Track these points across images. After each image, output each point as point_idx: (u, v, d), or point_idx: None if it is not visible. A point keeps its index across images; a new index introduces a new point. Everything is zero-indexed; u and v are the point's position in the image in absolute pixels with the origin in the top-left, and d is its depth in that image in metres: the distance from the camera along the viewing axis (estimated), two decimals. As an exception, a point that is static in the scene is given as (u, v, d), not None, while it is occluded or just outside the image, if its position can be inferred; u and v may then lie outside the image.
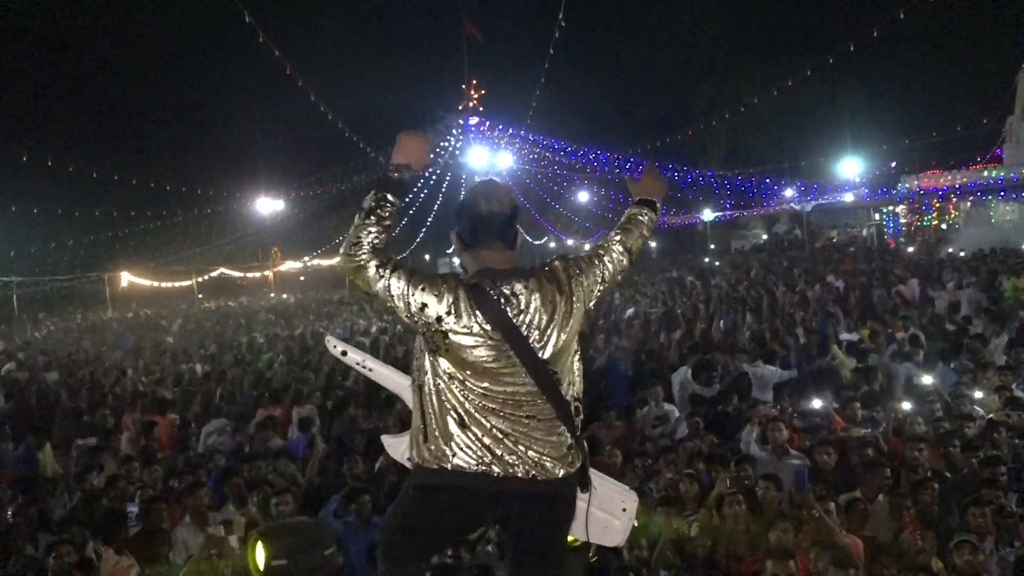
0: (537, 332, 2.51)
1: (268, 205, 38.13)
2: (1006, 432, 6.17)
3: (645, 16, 61.91)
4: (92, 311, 34.82)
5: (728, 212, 44.20)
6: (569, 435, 2.59)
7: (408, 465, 2.75)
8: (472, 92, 38.16)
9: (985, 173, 34.40)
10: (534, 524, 2.61)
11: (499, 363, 2.48)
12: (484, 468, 2.49)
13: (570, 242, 51.94)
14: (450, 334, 2.44)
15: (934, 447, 6.09)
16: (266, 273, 45.75)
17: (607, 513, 2.89)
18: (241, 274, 45.25)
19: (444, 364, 2.50)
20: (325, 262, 47.36)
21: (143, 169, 37.08)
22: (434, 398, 2.52)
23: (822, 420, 7.15)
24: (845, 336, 11.34)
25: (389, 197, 2.49)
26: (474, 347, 2.45)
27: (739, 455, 6.30)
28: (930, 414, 6.92)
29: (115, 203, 35.17)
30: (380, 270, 2.44)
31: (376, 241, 2.45)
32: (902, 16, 17.41)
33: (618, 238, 2.84)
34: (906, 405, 7.19)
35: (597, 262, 2.73)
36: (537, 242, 47.42)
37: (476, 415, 2.49)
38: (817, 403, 7.53)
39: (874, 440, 6.34)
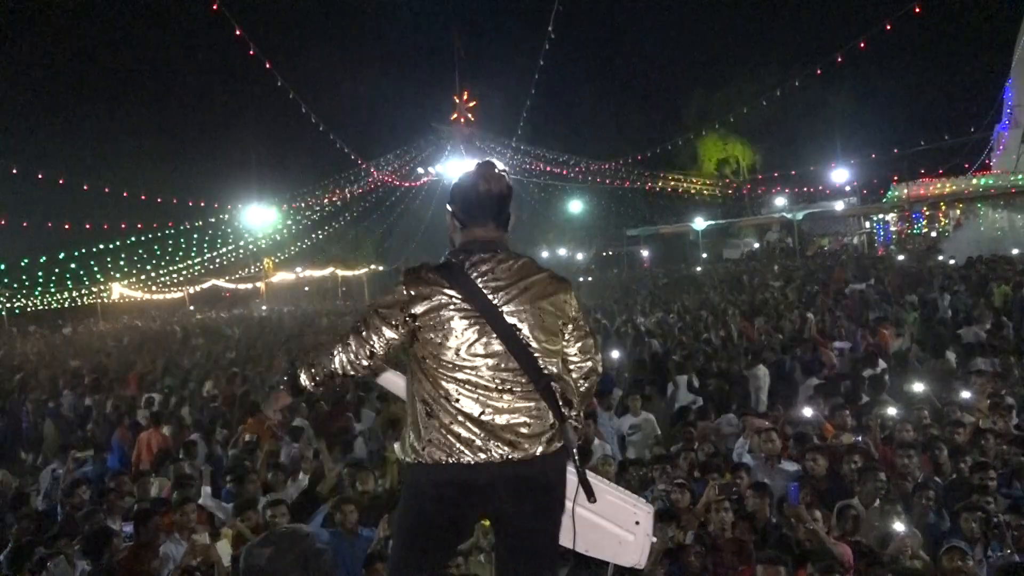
0: (514, 305, 2.54)
1: (260, 216, 38.06)
2: (994, 438, 6.20)
3: (635, 27, 62.32)
4: (83, 324, 34.60)
5: (719, 220, 44.35)
6: (551, 414, 2.57)
7: None
8: (463, 103, 38.25)
9: (974, 181, 34.65)
10: (518, 514, 2.57)
11: (471, 335, 2.50)
12: (455, 459, 2.48)
13: (562, 251, 52.01)
14: (420, 318, 2.51)
15: (923, 453, 6.11)
16: (258, 285, 45.63)
17: (618, 526, 2.74)
18: (233, 285, 45.10)
19: (419, 354, 2.54)
20: (317, 273, 47.29)
21: (134, 181, 36.97)
22: (413, 393, 2.57)
23: (812, 428, 7.16)
24: (838, 344, 11.37)
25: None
26: (445, 324, 2.50)
27: (733, 464, 6.32)
28: (918, 420, 6.95)
29: (106, 216, 35.07)
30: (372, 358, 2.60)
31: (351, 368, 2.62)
32: (889, 28, 17.56)
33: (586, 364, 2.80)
34: (892, 411, 7.22)
35: (574, 324, 2.73)
36: (528, 251, 47.45)
37: (443, 402, 2.50)
38: (808, 411, 7.55)
39: (865, 447, 6.35)
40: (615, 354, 11.27)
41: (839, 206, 42.82)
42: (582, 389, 2.75)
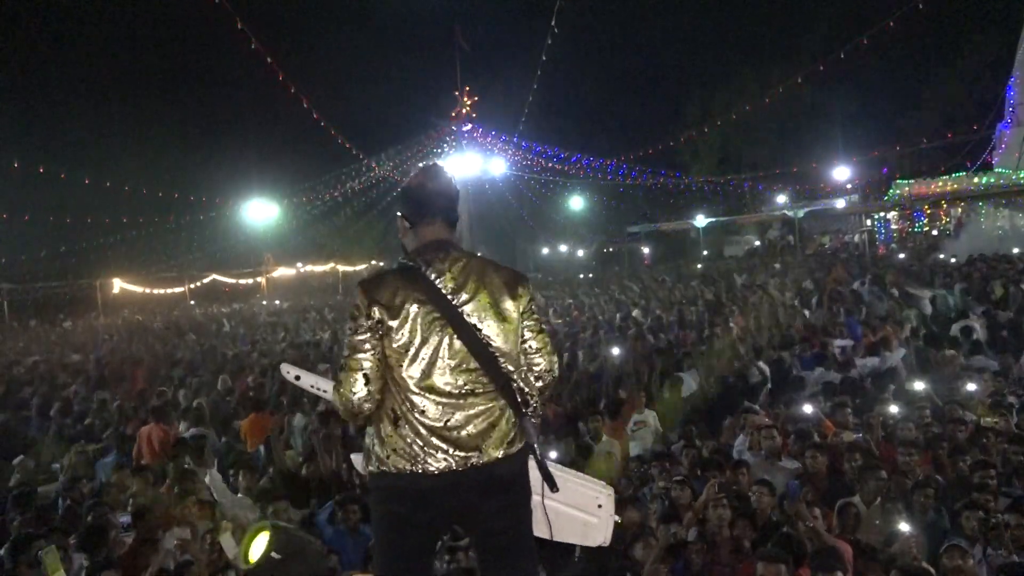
0: (473, 305, 2.58)
1: (261, 211, 38.04)
2: (995, 437, 6.20)
3: (638, 23, 62.22)
4: (83, 318, 34.61)
5: (720, 218, 44.32)
6: (511, 412, 2.62)
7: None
8: (465, 99, 38.20)
9: (976, 180, 34.59)
10: (486, 516, 2.60)
11: (435, 338, 2.52)
12: (419, 467, 2.50)
13: (563, 248, 51.96)
14: (385, 324, 2.52)
15: (924, 451, 6.11)
16: (259, 280, 45.61)
17: (582, 511, 2.84)
18: (233, 280, 45.08)
19: (388, 362, 2.55)
20: (318, 268, 47.29)
21: (135, 175, 36.98)
22: (381, 404, 2.57)
23: (812, 425, 7.15)
24: (839, 342, 11.35)
25: None
26: (408, 329, 2.51)
27: (734, 461, 6.32)
28: (920, 419, 6.95)
29: (107, 209, 35.08)
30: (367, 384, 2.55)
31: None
32: (891, 25, 17.53)
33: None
34: (894, 409, 7.22)
35: (532, 322, 2.74)
36: (529, 247, 47.47)
37: (408, 411, 2.52)
38: (808, 408, 7.55)
39: (866, 445, 6.36)
40: (615, 351, 11.24)
41: (840, 204, 42.75)
42: (538, 386, 2.76)
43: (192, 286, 42.64)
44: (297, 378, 2.90)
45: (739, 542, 4.91)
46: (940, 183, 35.43)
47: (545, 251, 51.98)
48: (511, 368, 2.62)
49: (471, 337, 2.55)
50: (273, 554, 2.71)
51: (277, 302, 37.28)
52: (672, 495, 5.57)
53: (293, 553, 2.77)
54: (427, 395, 2.51)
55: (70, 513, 6.22)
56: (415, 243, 2.70)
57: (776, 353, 10.69)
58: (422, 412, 2.52)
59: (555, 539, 2.84)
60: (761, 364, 9.94)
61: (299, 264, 47.54)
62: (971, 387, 7.74)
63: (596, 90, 53.49)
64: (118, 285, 38.92)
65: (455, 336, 2.54)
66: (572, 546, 3.03)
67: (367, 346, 2.52)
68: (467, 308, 2.56)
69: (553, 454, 6.39)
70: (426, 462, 2.50)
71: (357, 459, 2.96)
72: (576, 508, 2.83)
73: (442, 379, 2.52)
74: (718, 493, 5.15)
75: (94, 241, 36.19)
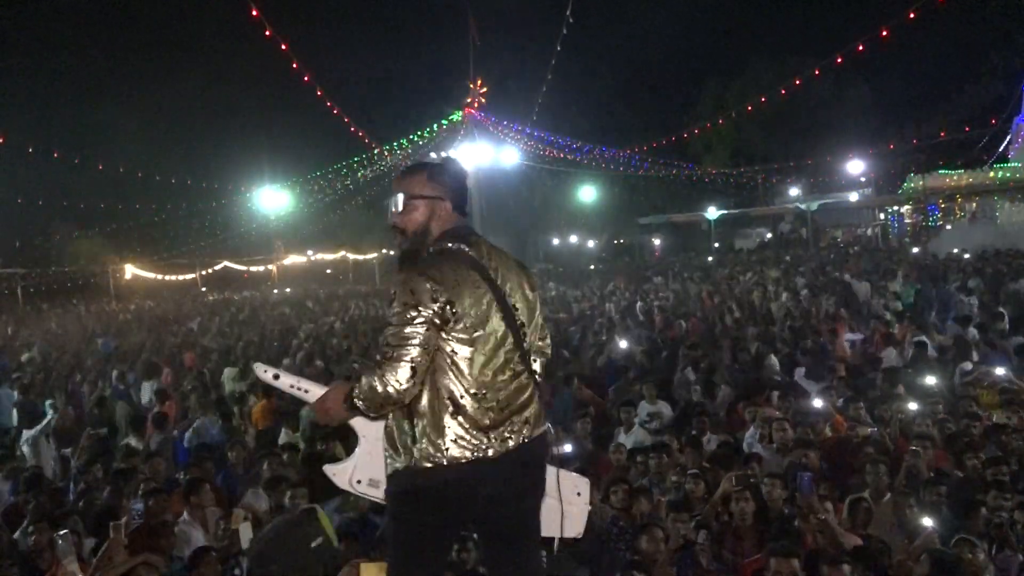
0: (510, 287, 2.62)
1: (273, 199, 38.11)
2: (1011, 433, 6.16)
3: (652, 14, 61.79)
4: (96, 303, 34.82)
5: (733, 210, 44.09)
6: (537, 393, 2.67)
7: (356, 490, 2.77)
8: (477, 88, 38.07)
9: (992, 174, 34.28)
10: (513, 501, 2.62)
11: (489, 319, 2.53)
12: (480, 453, 2.49)
13: (574, 239, 51.84)
14: (449, 309, 2.47)
15: (940, 447, 6.08)
16: (270, 267, 45.75)
17: (563, 501, 2.84)
18: (245, 267, 45.23)
19: (447, 348, 2.49)
20: (328, 256, 47.37)
21: (148, 162, 37.13)
22: (424, 396, 2.50)
23: (823, 420, 7.11)
24: (849, 336, 11.31)
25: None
26: (469, 311, 2.49)
27: (745, 454, 6.30)
28: (933, 415, 6.91)
29: (120, 195, 35.26)
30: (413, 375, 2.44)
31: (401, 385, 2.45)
32: (911, 16, 17.33)
33: None
34: (912, 405, 7.18)
35: (541, 308, 2.82)
36: (540, 238, 47.39)
37: (474, 399, 2.49)
38: (818, 403, 7.51)
39: (881, 439, 6.32)
40: (623, 344, 11.23)
41: (854, 197, 42.47)
42: (542, 367, 2.83)
43: (204, 272, 42.80)
44: (276, 377, 2.75)
45: (760, 534, 4.89)
46: (955, 177, 35.14)
47: (556, 242, 51.86)
48: (534, 349, 2.71)
49: (511, 319, 2.59)
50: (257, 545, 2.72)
51: (288, 290, 37.43)
52: (687, 488, 5.55)
53: (303, 540, 2.79)
54: (489, 379, 2.52)
55: (82, 497, 6.27)
56: (442, 225, 2.65)
57: (786, 348, 10.66)
58: (485, 397, 2.51)
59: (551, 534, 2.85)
60: (773, 358, 9.91)
61: (310, 252, 47.62)
62: (1000, 371, 7.72)
63: (610, 81, 53.14)
64: (130, 271, 39.10)
65: (504, 319, 2.57)
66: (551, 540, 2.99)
67: (421, 337, 2.42)
68: (506, 289, 2.61)
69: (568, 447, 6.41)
70: (487, 448, 2.50)
71: (338, 469, 2.82)
72: (559, 498, 2.82)
73: (499, 362, 2.54)
74: (736, 486, 5.12)
75: (107, 227, 36.41)
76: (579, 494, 2.93)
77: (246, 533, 4.44)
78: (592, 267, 37.79)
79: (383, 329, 2.52)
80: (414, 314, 2.42)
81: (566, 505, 2.86)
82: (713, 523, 5.06)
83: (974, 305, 13.10)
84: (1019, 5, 35.68)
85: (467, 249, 2.58)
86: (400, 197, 2.67)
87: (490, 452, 2.50)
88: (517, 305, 2.62)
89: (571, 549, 4.44)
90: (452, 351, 2.48)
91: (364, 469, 2.75)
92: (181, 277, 42.49)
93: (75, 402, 10.98)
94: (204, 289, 40.87)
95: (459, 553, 4.55)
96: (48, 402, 9.66)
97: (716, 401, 8.59)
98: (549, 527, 2.85)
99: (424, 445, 2.49)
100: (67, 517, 5.44)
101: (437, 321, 2.44)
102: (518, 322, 2.61)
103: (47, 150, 27.64)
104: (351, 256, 46.88)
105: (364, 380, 2.45)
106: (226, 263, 43.41)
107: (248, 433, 8.52)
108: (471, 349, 2.49)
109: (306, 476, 5.92)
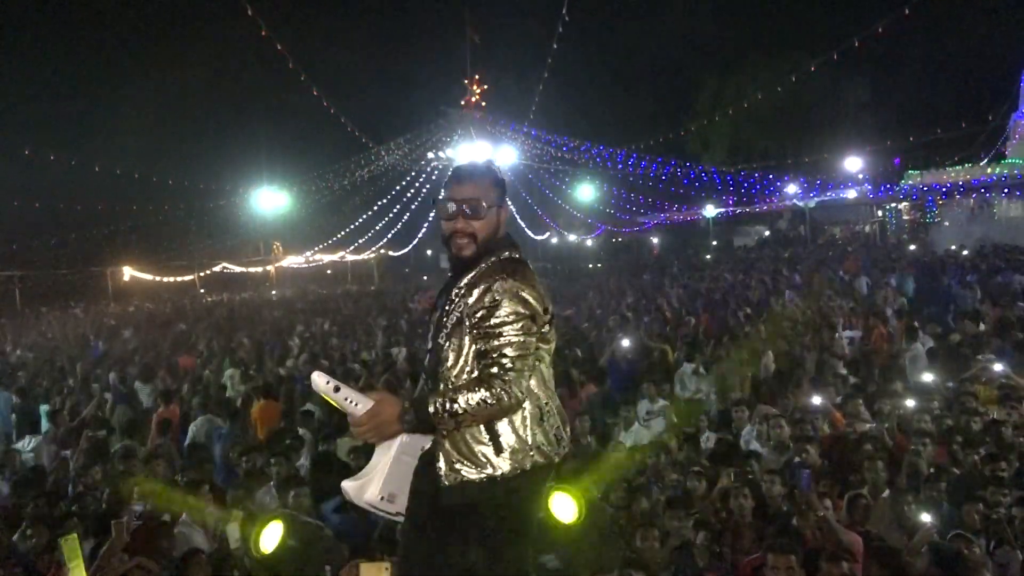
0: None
1: (271, 200, 38.09)
2: (1012, 430, 6.16)
3: (649, 11, 61.79)
4: (94, 305, 34.77)
5: (731, 208, 44.13)
6: None
7: (377, 507, 2.59)
8: (475, 87, 38.07)
9: (989, 170, 34.33)
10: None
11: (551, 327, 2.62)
12: (553, 458, 2.57)
13: (572, 238, 51.84)
14: (547, 317, 2.55)
15: (939, 444, 6.08)
16: (268, 268, 45.70)
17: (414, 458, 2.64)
18: (243, 269, 45.17)
19: (540, 356, 2.57)
20: (327, 257, 47.30)
21: (145, 163, 37.10)
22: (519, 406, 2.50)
23: (822, 417, 7.12)
24: (848, 333, 11.32)
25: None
26: (551, 323, 2.59)
27: (743, 452, 6.31)
28: (930, 411, 6.92)
29: (117, 197, 35.19)
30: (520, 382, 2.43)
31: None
32: (907, 12, 17.34)
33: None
34: (910, 402, 7.18)
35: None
36: (539, 237, 47.37)
37: (551, 403, 2.59)
38: (817, 400, 7.52)
39: (879, 435, 6.33)
40: (625, 343, 11.22)
41: (852, 194, 42.51)
42: None
43: (202, 274, 42.75)
44: (336, 389, 2.49)
45: (759, 531, 4.89)
46: (953, 173, 35.17)
47: (554, 240, 51.88)
48: None
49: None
50: (290, 542, 2.69)
51: (287, 292, 37.40)
52: (688, 486, 5.55)
53: (309, 540, 2.77)
54: (554, 386, 2.63)
55: (80, 498, 6.25)
56: (501, 232, 2.67)
57: (786, 344, 10.67)
58: (555, 407, 2.61)
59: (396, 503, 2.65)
60: (769, 354, 9.91)
61: (308, 253, 47.57)
62: (998, 366, 7.76)
63: (607, 79, 53.20)
64: (128, 273, 39.04)
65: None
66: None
67: (534, 347, 2.48)
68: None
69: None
70: (557, 452, 2.58)
71: (353, 485, 2.63)
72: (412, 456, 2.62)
73: (553, 368, 2.65)
74: (734, 482, 5.12)
75: (104, 228, 36.35)
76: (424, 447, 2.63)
77: (233, 533, 4.45)
78: (590, 265, 37.74)
79: (485, 339, 2.43)
80: (529, 324, 2.44)
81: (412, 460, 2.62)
82: (712, 520, 5.07)
83: (977, 300, 13.10)
84: (1016, 2, 35.73)
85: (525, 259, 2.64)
86: (480, 202, 2.58)
87: (556, 458, 2.59)
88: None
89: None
90: (539, 359, 2.55)
91: (390, 483, 2.58)
92: (179, 279, 42.43)
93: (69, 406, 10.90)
94: (203, 290, 40.81)
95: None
96: (44, 407, 9.64)
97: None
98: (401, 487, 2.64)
99: (511, 453, 2.50)
100: (66, 519, 5.44)
101: (544, 330, 2.52)
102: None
103: (44, 151, 27.61)
104: (350, 257, 46.83)
105: (468, 396, 2.37)
106: (224, 264, 43.36)
107: (247, 434, 8.52)
108: (547, 360, 2.60)
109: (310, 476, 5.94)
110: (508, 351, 2.39)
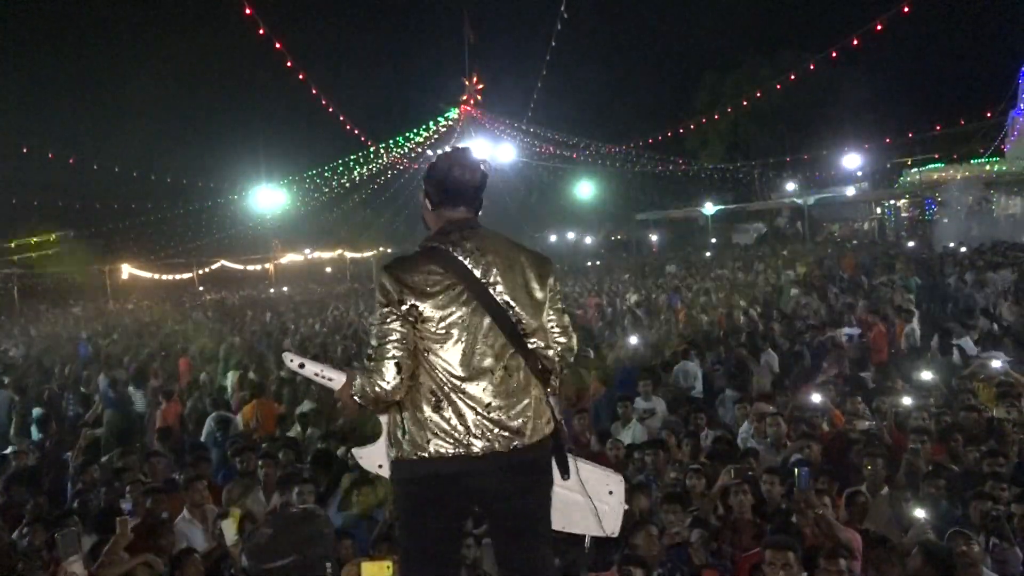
0: (504, 283, 2.56)
1: (270, 198, 38.07)
2: (1011, 427, 6.16)
3: (647, 9, 61.74)
4: (92, 303, 34.74)
5: (729, 205, 44.12)
6: (543, 392, 2.62)
7: (381, 474, 2.81)
8: (473, 84, 38.05)
9: (988, 167, 34.32)
10: (512, 496, 2.59)
11: (468, 318, 2.51)
12: (463, 450, 2.48)
13: (571, 235, 51.84)
14: (417, 309, 2.49)
15: (937, 441, 6.09)
16: (267, 266, 45.68)
17: (593, 499, 2.79)
18: (241, 267, 45.16)
19: (421, 346, 2.52)
20: (326, 255, 47.31)
21: (144, 161, 37.07)
22: (415, 388, 2.53)
23: (821, 415, 7.12)
24: (847, 330, 11.31)
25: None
26: (441, 311, 2.49)
27: (742, 449, 6.31)
28: (928, 408, 6.92)
29: (116, 195, 35.18)
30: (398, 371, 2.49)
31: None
32: (906, 10, 17.32)
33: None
34: (907, 400, 7.19)
35: (557, 302, 2.75)
36: (537, 235, 47.38)
37: (452, 394, 2.50)
38: (816, 398, 7.52)
39: (878, 433, 6.33)
40: (633, 340, 11.22)
41: (850, 191, 42.49)
42: (560, 365, 2.74)
43: (201, 272, 42.72)
44: (301, 366, 2.76)
45: (759, 528, 4.90)
46: (951, 170, 35.17)
47: (553, 238, 51.87)
48: (543, 347, 2.63)
49: (504, 317, 2.54)
50: (282, 561, 2.71)
51: (285, 289, 37.38)
52: (688, 484, 5.55)
53: (306, 545, 2.77)
54: (469, 377, 2.50)
55: (80, 497, 6.26)
56: (438, 223, 2.67)
57: (786, 342, 10.68)
58: (465, 393, 2.50)
59: (565, 529, 2.80)
60: (771, 352, 9.93)
61: (307, 251, 47.54)
62: (996, 363, 7.72)
63: (605, 76, 53.17)
64: (127, 270, 39.01)
65: (490, 317, 2.53)
66: (582, 537, 2.97)
67: (398, 334, 2.48)
68: (499, 286, 2.55)
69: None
70: (470, 444, 2.48)
71: (364, 452, 2.89)
72: (587, 495, 2.78)
73: (483, 361, 2.51)
74: (735, 479, 5.13)
75: (103, 226, 36.33)
76: (611, 492, 2.84)
77: (229, 530, 4.45)
78: (589, 263, 37.71)
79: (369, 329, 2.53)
80: (386, 311, 2.50)
81: (597, 503, 2.80)
82: (711, 518, 5.07)
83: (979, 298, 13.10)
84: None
85: (447, 247, 2.55)
86: (423, 203, 2.73)
87: (475, 448, 2.49)
88: (511, 302, 2.55)
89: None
90: (426, 348, 2.51)
91: (382, 454, 2.79)
92: (178, 276, 42.40)
93: (55, 408, 10.83)
94: (201, 288, 40.78)
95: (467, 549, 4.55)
96: (36, 411, 9.62)
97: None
98: (580, 524, 2.82)
99: (409, 438, 2.53)
100: (65, 517, 5.44)
101: (411, 319, 2.49)
102: (513, 319, 2.55)
103: (42, 150, 27.59)
104: (349, 255, 46.82)
105: (359, 380, 2.53)
106: (223, 262, 43.34)
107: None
108: (443, 346, 2.50)
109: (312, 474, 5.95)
110: (371, 340, 2.54)
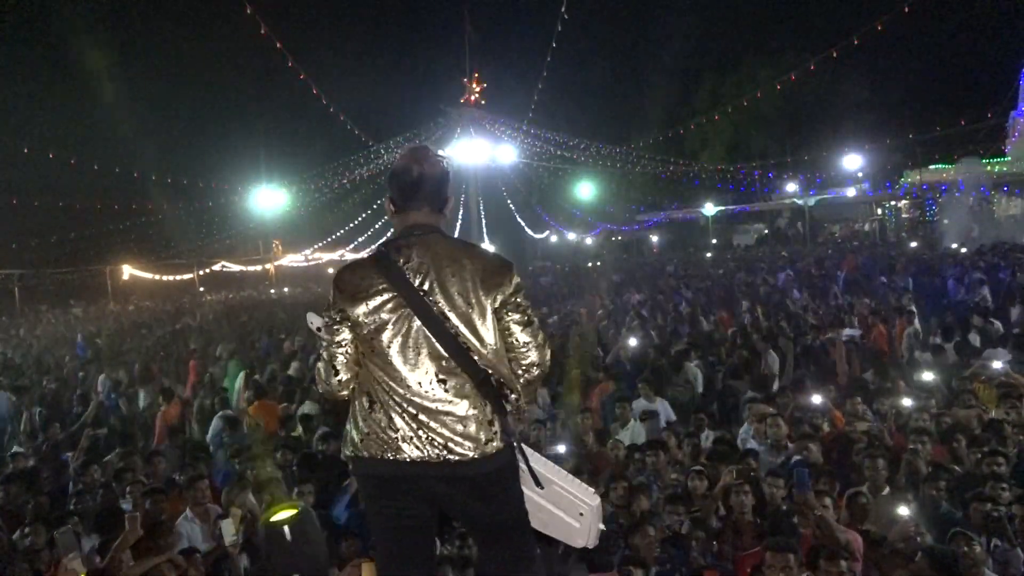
0: (441, 293, 2.46)
1: (270, 198, 38.07)
2: (1011, 428, 6.16)
3: (648, 9, 61.76)
4: (93, 304, 34.75)
5: (730, 206, 44.13)
6: (489, 408, 2.49)
7: None
8: (474, 85, 38.05)
9: (989, 168, 34.32)
10: (471, 505, 2.56)
11: (401, 327, 2.47)
12: (392, 454, 2.47)
13: (571, 236, 51.84)
14: (353, 316, 2.51)
15: (937, 442, 6.09)
16: (267, 267, 45.68)
17: (566, 514, 2.81)
18: (242, 267, 45.17)
19: (360, 349, 2.56)
20: (326, 256, 47.28)
21: (144, 162, 37.02)
22: (357, 386, 2.59)
23: (821, 416, 7.11)
24: (848, 331, 11.30)
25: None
26: (375, 318, 2.48)
27: (742, 450, 6.31)
28: (928, 409, 6.92)
29: (116, 195, 35.17)
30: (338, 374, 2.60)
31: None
32: (906, 10, 17.34)
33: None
34: (907, 401, 7.19)
35: (517, 311, 2.58)
36: (538, 236, 47.38)
37: (383, 397, 2.49)
38: (816, 399, 7.52)
39: (879, 434, 6.33)
40: (632, 341, 11.22)
41: (851, 192, 42.51)
42: (523, 381, 2.59)
43: (201, 272, 42.74)
44: (319, 329, 2.77)
45: (760, 528, 4.90)
46: (952, 171, 35.16)
47: (553, 239, 51.89)
48: (489, 361, 2.48)
49: (438, 327, 2.44)
50: (286, 529, 2.72)
51: (286, 289, 37.37)
52: (689, 485, 5.55)
53: (307, 539, 2.78)
54: (398, 385, 2.47)
55: (80, 497, 6.26)
56: (399, 227, 2.63)
57: (788, 343, 10.66)
58: (394, 400, 2.47)
59: (544, 531, 2.82)
60: (772, 354, 9.91)
61: (307, 251, 47.55)
62: (997, 364, 7.71)
63: (606, 77, 53.18)
64: (128, 271, 39.02)
65: (421, 326, 2.45)
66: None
67: (338, 336, 2.55)
68: (435, 296, 2.45)
69: (561, 448, 6.42)
70: (399, 450, 2.46)
71: None
72: (558, 509, 2.80)
73: (411, 372, 2.46)
74: (736, 480, 5.13)
75: (104, 227, 36.33)
76: (581, 514, 2.81)
77: (228, 529, 4.46)
78: (590, 264, 37.70)
79: None
80: (327, 314, 2.60)
81: (569, 519, 2.81)
82: (712, 518, 5.07)
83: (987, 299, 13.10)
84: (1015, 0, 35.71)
85: (391, 254, 2.51)
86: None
87: (406, 455, 2.45)
88: (449, 312, 2.44)
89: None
90: (363, 352, 2.55)
91: None
92: (179, 277, 42.41)
93: (54, 409, 10.83)
94: (202, 289, 40.79)
95: (459, 548, 4.55)
96: (37, 410, 9.63)
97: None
98: (555, 532, 2.84)
99: (351, 437, 2.57)
100: (66, 517, 5.44)
101: (347, 323, 2.54)
102: (451, 330, 2.44)
103: (43, 150, 27.60)
104: (349, 255, 46.80)
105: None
106: (223, 263, 43.34)
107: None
108: (374, 351, 2.50)
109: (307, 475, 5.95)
110: (320, 341, 2.68)
